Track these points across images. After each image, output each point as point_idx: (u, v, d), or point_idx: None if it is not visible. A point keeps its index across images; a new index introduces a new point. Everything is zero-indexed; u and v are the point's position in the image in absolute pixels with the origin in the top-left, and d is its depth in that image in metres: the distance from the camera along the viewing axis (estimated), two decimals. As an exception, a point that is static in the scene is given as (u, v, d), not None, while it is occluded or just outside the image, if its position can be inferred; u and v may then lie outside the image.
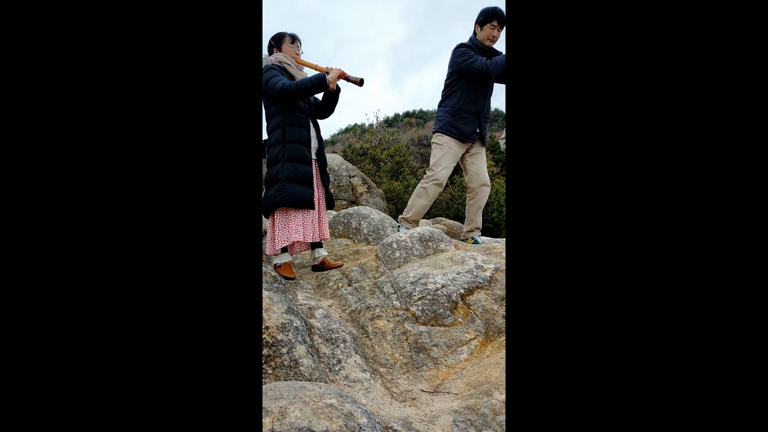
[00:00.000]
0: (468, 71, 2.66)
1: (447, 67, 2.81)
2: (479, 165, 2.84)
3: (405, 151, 7.22)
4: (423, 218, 4.68)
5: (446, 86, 2.83)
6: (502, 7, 2.64)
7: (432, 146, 2.89)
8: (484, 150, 2.88)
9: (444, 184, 2.80)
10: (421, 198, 2.82)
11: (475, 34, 2.72)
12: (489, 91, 2.80)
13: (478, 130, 2.79)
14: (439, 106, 2.88)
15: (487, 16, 2.63)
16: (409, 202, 2.92)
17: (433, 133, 2.87)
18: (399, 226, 2.97)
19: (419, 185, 2.85)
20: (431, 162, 2.83)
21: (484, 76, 2.66)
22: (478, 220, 2.89)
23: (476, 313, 1.87)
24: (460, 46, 2.73)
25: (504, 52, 2.72)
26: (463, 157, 2.88)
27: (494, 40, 2.67)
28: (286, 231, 2.16)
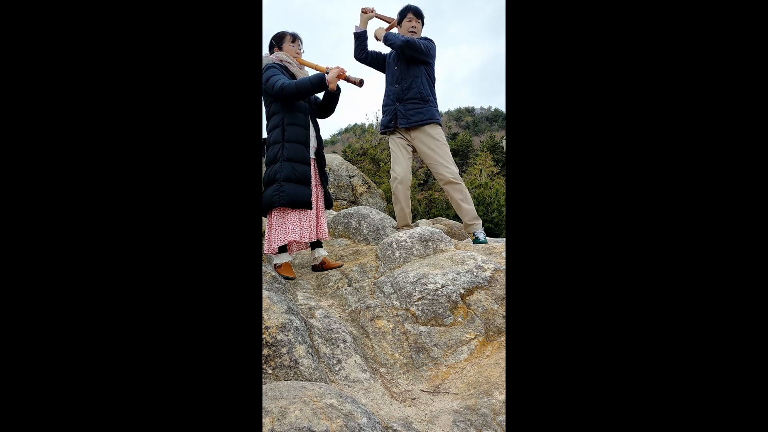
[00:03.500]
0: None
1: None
2: (430, 158, 2.77)
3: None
4: (423, 218, 4.68)
5: None
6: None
7: None
8: (423, 134, 2.76)
9: (406, 177, 2.80)
10: (396, 204, 2.89)
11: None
12: (396, 75, 2.82)
13: (399, 119, 2.79)
14: None
15: (401, 14, 2.88)
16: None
17: None
18: None
19: (392, 193, 2.90)
20: None
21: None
22: (469, 212, 2.78)
23: (476, 313, 1.87)
24: None
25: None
26: (419, 155, 2.91)
27: (415, 30, 2.82)
28: (283, 231, 2.16)
